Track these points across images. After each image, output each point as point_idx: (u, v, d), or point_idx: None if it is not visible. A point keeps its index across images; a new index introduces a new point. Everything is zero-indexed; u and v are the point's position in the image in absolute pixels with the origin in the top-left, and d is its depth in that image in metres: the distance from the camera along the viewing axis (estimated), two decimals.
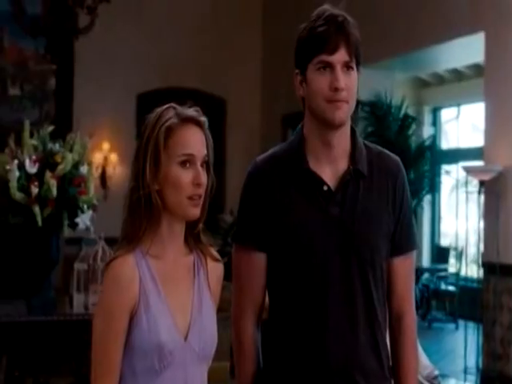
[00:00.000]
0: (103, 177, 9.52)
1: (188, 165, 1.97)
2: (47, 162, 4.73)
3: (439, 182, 10.15)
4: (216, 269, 2.10)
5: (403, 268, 2.24)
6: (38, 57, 8.74)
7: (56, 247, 4.74)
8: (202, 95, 9.70)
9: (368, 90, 8.42)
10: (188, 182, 1.96)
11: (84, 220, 4.87)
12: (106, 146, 9.60)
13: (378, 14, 8.27)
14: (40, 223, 4.60)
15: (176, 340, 1.95)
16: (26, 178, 4.66)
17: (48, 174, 4.63)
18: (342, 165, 2.18)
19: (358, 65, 2.15)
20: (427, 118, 10.71)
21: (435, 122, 10.85)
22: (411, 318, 2.25)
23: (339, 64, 2.11)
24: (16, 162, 4.68)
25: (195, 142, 1.99)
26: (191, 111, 2.01)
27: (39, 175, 4.65)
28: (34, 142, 4.84)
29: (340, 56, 2.11)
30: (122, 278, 1.94)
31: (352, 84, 2.12)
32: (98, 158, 9.48)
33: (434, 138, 10.31)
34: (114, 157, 9.57)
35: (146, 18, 9.76)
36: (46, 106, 9.44)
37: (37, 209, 4.60)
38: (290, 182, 2.17)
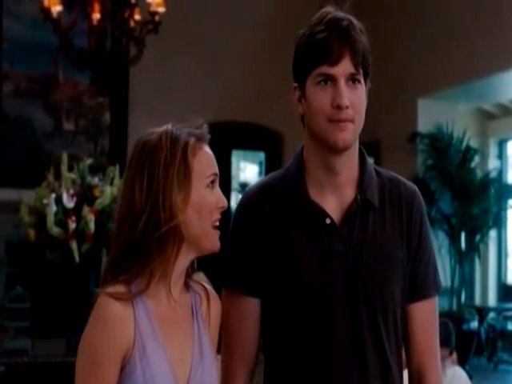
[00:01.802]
0: None
1: (211, 185, 1.79)
2: (85, 196, 4.63)
3: (505, 217, 9.76)
4: (214, 308, 1.86)
5: (423, 315, 1.93)
6: (92, 91, 8.69)
7: (94, 284, 4.59)
8: (258, 129, 9.53)
9: (428, 122, 8.15)
10: (215, 205, 1.79)
11: None
12: None
13: (437, 43, 8.01)
14: (77, 259, 4.50)
15: None
16: (63, 213, 4.55)
17: (86, 209, 4.52)
18: (349, 194, 1.90)
19: (366, 77, 1.87)
20: (492, 150, 10.33)
21: (501, 155, 10.47)
22: (435, 376, 1.92)
23: (343, 77, 1.83)
24: (53, 195, 4.58)
25: (214, 159, 1.83)
26: (202, 129, 1.83)
27: (77, 210, 4.55)
28: (73, 175, 4.73)
29: (344, 67, 1.82)
30: (114, 319, 1.69)
31: (359, 100, 1.84)
32: None
33: (500, 171, 9.93)
34: None
35: (203, 51, 9.64)
36: (101, 140, 9.37)
37: (74, 244, 4.52)
38: (287, 215, 1.89)
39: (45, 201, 4.60)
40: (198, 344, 1.79)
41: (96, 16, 6.13)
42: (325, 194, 1.89)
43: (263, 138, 9.64)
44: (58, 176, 4.73)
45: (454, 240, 8.20)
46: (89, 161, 4.87)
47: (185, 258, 1.77)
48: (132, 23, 6.21)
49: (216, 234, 1.79)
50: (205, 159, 1.78)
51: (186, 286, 1.82)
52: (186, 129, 1.81)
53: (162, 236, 1.72)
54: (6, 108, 8.84)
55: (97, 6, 6.12)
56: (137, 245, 1.72)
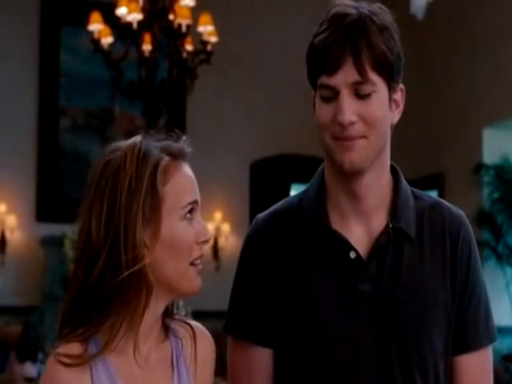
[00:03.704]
0: (215, 248, 9.19)
1: (190, 216, 1.44)
2: None
3: None
4: (203, 350, 1.51)
5: (474, 370, 1.61)
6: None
7: None
8: (318, 162, 9.26)
9: (493, 152, 7.80)
10: (194, 240, 1.44)
11: None
12: (218, 215, 9.28)
13: (503, 70, 7.70)
14: None
15: None
16: None
17: None
18: (378, 222, 1.59)
19: (390, 80, 1.55)
20: None
21: None
22: None
23: (345, 87, 1.51)
24: None
25: (194, 183, 1.48)
26: (178, 144, 1.48)
27: None
28: None
29: (344, 76, 1.51)
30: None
31: (372, 111, 1.52)
32: (209, 228, 9.16)
33: None
34: (226, 227, 9.23)
35: (261, 82, 9.50)
36: None
37: None
38: (303, 247, 1.59)
39: None
40: None
41: (147, 47, 6.01)
42: (349, 222, 1.59)
43: None
44: None
45: None
46: None
47: (156, 306, 1.45)
48: (184, 53, 6.07)
49: (194, 271, 1.45)
50: (180, 184, 1.44)
51: (165, 332, 1.52)
52: (160, 143, 1.46)
53: (124, 282, 1.38)
54: (62, 142, 8.81)
55: (147, 37, 6.00)
56: (94, 291, 1.41)
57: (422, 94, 8.05)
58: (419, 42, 8.06)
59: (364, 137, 1.53)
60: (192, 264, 1.44)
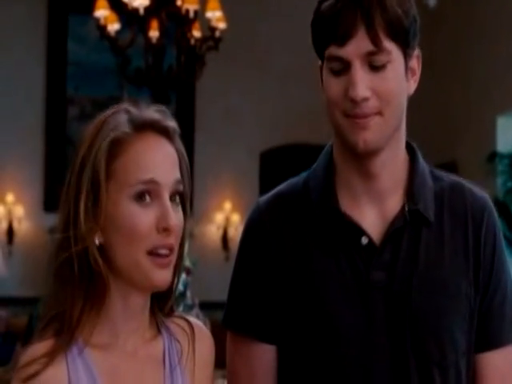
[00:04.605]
0: (225, 238, 9.08)
1: (148, 199, 1.28)
2: None
3: None
4: (202, 350, 1.38)
5: (499, 368, 1.45)
6: None
7: None
8: None
9: (508, 141, 7.68)
10: (149, 226, 1.27)
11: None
12: (227, 205, 9.18)
13: None
14: None
15: None
16: None
17: None
18: (393, 204, 1.44)
19: (405, 47, 1.40)
20: None
21: None
22: None
23: (357, 59, 1.37)
24: None
25: (159, 161, 1.29)
26: (151, 112, 1.32)
27: None
28: None
29: (356, 46, 1.37)
30: None
31: (387, 84, 1.38)
32: (219, 218, 9.11)
33: None
34: (236, 217, 9.12)
35: (270, 73, 9.38)
36: None
37: None
38: (310, 233, 1.45)
39: None
40: None
41: (154, 33, 5.91)
42: (361, 204, 1.45)
43: None
44: None
45: None
46: None
47: (126, 299, 1.31)
48: (192, 40, 5.96)
49: (151, 262, 1.27)
50: (133, 159, 1.27)
51: (158, 329, 1.37)
52: (138, 112, 1.31)
53: (82, 265, 1.26)
54: (70, 132, 8.72)
55: (155, 23, 5.89)
56: (63, 281, 1.28)
57: (434, 82, 7.93)
58: (431, 30, 7.94)
59: (379, 113, 1.40)
60: (151, 254, 1.28)
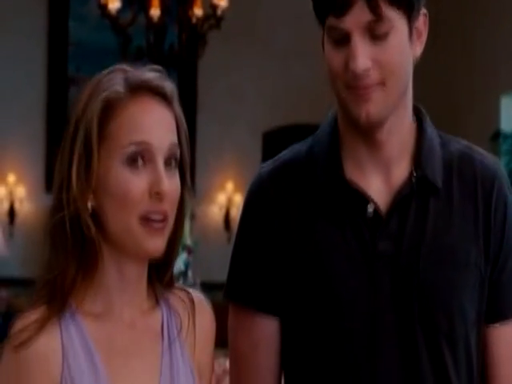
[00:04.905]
0: (227, 219, 9.06)
1: (141, 162, 1.24)
2: None
3: None
4: (202, 324, 1.34)
5: (510, 341, 1.41)
6: None
7: None
8: None
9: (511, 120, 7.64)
10: (141, 190, 1.23)
11: (178, 263, 4.35)
12: (229, 186, 9.15)
13: None
14: None
15: None
16: None
17: None
18: (400, 172, 1.40)
19: (411, 12, 1.34)
20: None
21: None
22: None
23: (357, 30, 1.32)
24: None
25: (154, 123, 1.25)
26: (148, 73, 1.27)
27: None
28: None
29: (355, 16, 1.31)
30: (30, 359, 1.20)
31: (390, 54, 1.33)
32: (221, 198, 9.09)
33: None
34: (238, 197, 9.09)
35: (272, 53, 9.33)
36: None
37: None
38: (315, 202, 1.40)
39: None
40: (168, 379, 1.27)
41: (155, 12, 5.87)
42: (366, 172, 1.41)
43: None
44: None
45: None
46: None
47: (120, 267, 1.26)
48: (193, 19, 5.92)
49: (143, 229, 1.23)
50: (127, 121, 1.23)
51: (156, 301, 1.33)
52: (134, 72, 1.27)
53: (74, 229, 1.23)
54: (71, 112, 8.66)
55: (155, 2, 5.85)
56: (56, 246, 1.25)
57: (438, 60, 7.88)
58: (437, 7, 7.88)
59: (381, 84, 1.35)
60: (143, 220, 1.23)
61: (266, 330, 1.44)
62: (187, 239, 4.32)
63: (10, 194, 8.51)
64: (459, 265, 1.39)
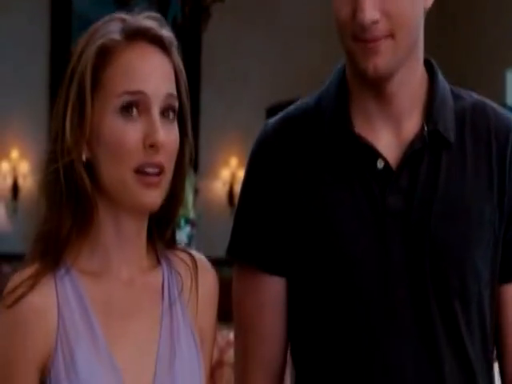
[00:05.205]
0: (231, 194, 9.03)
1: (135, 112, 1.19)
2: None
3: None
4: (205, 285, 1.29)
5: None
6: None
7: None
8: None
9: None
10: (135, 141, 1.18)
11: (181, 236, 4.32)
12: (233, 161, 9.12)
13: None
14: None
15: None
16: None
17: None
18: (410, 126, 1.35)
19: None
20: None
21: None
22: None
23: None
24: None
25: (149, 71, 1.20)
26: (146, 20, 1.23)
27: None
28: None
29: None
30: (25, 314, 1.17)
31: (399, 8, 1.28)
32: (225, 174, 9.07)
33: None
34: (242, 173, 9.02)
35: (276, 29, 9.28)
36: None
37: None
38: (323, 157, 1.36)
39: None
40: (167, 342, 1.22)
41: None
42: (376, 126, 1.36)
43: None
44: None
45: None
46: None
47: (118, 217, 1.22)
48: None
49: (138, 181, 1.18)
50: (122, 69, 1.18)
51: (157, 260, 1.29)
52: (132, 20, 1.22)
53: (69, 181, 1.19)
54: None
55: None
56: (51, 199, 1.22)
57: (443, 35, 7.83)
58: None
59: (390, 36, 1.31)
60: (138, 173, 1.19)
61: (271, 290, 1.40)
62: (190, 212, 4.30)
63: (14, 169, 8.47)
64: (472, 222, 1.34)
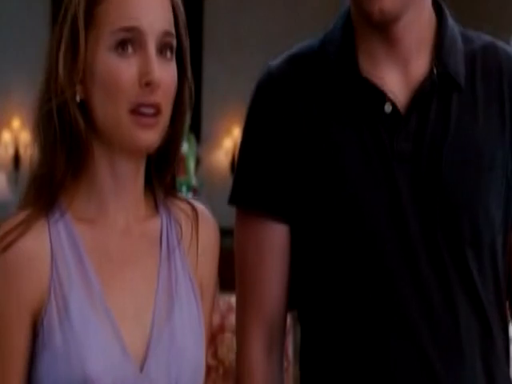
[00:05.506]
0: (233, 164, 9.02)
1: (130, 49, 1.15)
2: None
3: None
4: (205, 235, 1.25)
5: None
6: None
7: None
8: None
9: None
10: (130, 79, 1.14)
11: None
12: (236, 131, 9.08)
13: None
14: None
15: (121, 371, 1.12)
16: None
17: None
18: (419, 68, 1.30)
19: None
20: None
21: None
22: None
23: None
24: None
25: (145, 6, 1.15)
26: None
27: None
28: None
29: None
30: (17, 259, 1.13)
31: None
32: (227, 143, 9.05)
33: None
34: None
35: (280, 2, 9.21)
36: None
37: None
38: (328, 101, 1.31)
39: None
40: (165, 291, 1.19)
41: None
42: (383, 69, 1.31)
43: None
44: None
45: None
46: None
47: (113, 159, 1.18)
48: None
49: (133, 120, 1.14)
50: (116, 5, 1.14)
51: (156, 208, 1.24)
52: None
53: (62, 121, 1.15)
54: None
55: None
56: (45, 141, 1.17)
57: (447, 4, 7.76)
58: None
59: None
60: (133, 113, 1.15)
61: (274, 237, 1.35)
62: (192, 179, 4.28)
63: (15, 139, 8.44)
64: (484, 166, 1.30)
